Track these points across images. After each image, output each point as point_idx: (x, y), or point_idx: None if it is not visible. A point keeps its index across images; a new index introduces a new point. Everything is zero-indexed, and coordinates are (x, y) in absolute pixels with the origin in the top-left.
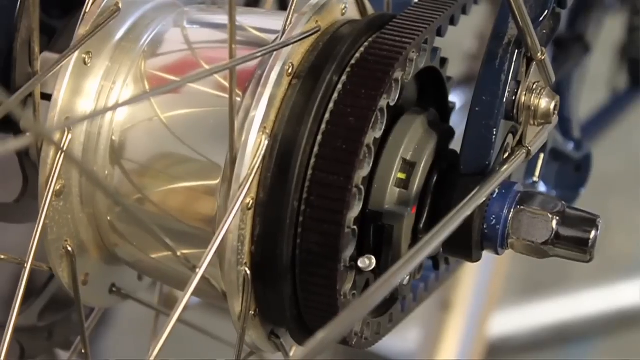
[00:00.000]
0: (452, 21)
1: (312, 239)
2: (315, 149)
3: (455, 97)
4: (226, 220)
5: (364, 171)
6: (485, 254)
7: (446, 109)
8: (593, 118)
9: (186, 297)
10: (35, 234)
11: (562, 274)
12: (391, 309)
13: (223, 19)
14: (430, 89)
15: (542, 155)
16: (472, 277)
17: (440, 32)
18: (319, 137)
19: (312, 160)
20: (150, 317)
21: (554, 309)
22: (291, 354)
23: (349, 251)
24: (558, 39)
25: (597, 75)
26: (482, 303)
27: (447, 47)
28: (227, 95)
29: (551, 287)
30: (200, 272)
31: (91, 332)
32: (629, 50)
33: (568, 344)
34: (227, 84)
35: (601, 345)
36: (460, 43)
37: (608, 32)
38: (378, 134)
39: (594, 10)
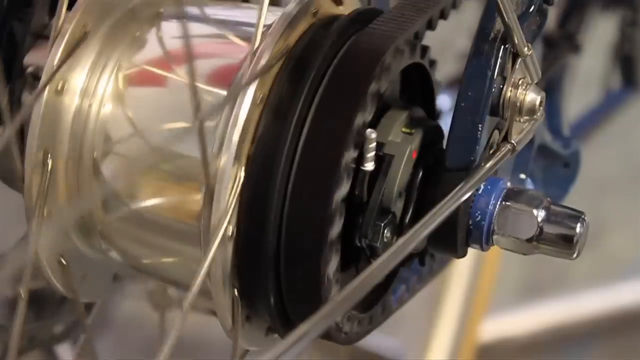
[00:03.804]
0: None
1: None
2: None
3: (449, 98)
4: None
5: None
6: (481, 253)
7: (434, 108)
8: (587, 116)
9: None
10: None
11: (561, 274)
12: (375, 306)
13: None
14: (418, 91)
15: (530, 152)
16: (467, 276)
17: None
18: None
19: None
20: (149, 318)
21: (553, 309)
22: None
23: (332, 265)
24: (548, 37)
25: (591, 73)
26: (474, 303)
27: (442, 47)
28: (214, 90)
29: (550, 288)
30: (188, 302)
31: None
32: (622, 47)
33: (567, 344)
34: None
35: (601, 346)
36: (454, 42)
37: (601, 30)
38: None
39: (586, 8)
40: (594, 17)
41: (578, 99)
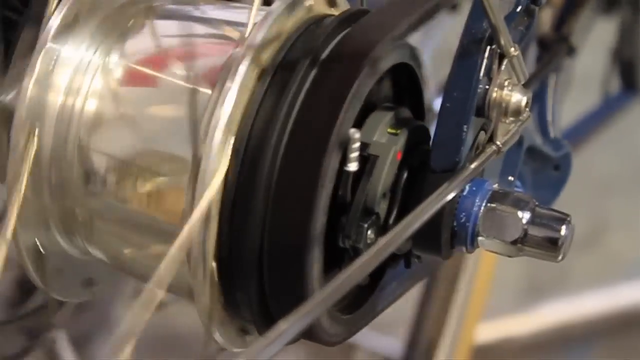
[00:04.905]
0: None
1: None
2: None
3: None
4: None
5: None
6: (479, 254)
7: (422, 108)
8: (586, 119)
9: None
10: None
11: (562, 274)
12: (362, 307)
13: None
14: (406, 90)
15: (518, 155)
16: (464, 277)
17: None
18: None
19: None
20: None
21: (554, 309)
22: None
23: (315, 265)
24: (543, 39)
25: (590, 76)
26: (471, 303)
27: (440, 50)
28: (200, 89)
29: (550, 288)
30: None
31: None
32: (621, 51)
33: (568, 345)
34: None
35: (602, 346)
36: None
37: (600, 34)
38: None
39: (582, 11)
40: (592, 20)
41: (577, 102)
